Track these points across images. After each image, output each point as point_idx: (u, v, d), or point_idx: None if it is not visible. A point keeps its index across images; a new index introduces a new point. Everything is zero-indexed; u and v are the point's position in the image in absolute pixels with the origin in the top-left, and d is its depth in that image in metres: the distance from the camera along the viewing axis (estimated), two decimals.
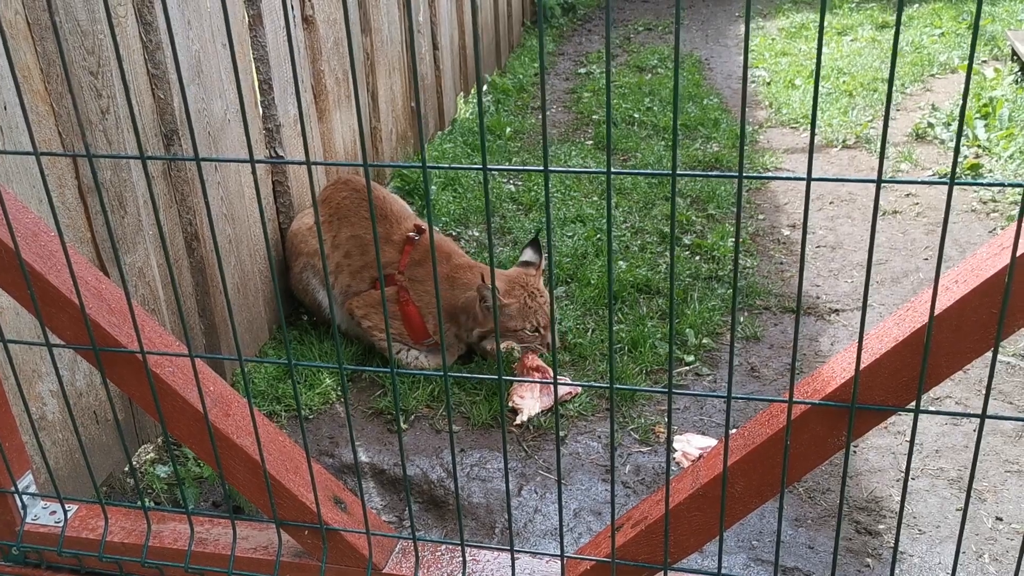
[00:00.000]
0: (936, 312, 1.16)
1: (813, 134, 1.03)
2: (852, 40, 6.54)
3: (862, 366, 1.21)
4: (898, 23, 0.98)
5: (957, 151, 1.04)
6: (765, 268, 3.51)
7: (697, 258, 3.55)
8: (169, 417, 1.47)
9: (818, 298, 3.31)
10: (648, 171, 1.10)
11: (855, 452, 2.54)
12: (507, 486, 1.27)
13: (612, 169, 1.09)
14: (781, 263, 3.56)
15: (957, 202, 3.97)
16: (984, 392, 1.16)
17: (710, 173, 1.04)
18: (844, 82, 5.58)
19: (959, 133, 1.00)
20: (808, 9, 7.62)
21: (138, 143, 1.25)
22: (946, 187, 1.01)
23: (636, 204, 4.02)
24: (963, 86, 5.28)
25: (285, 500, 1.50)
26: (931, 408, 2.69)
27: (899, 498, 2.37)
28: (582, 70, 6.34)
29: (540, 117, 5.44)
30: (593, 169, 1.09)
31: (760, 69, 6.09)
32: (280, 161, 1.17)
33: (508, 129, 4.99)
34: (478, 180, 4.21)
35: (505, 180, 4.35)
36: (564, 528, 2.34)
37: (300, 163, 1.14)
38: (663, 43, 6.86)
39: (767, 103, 5.48)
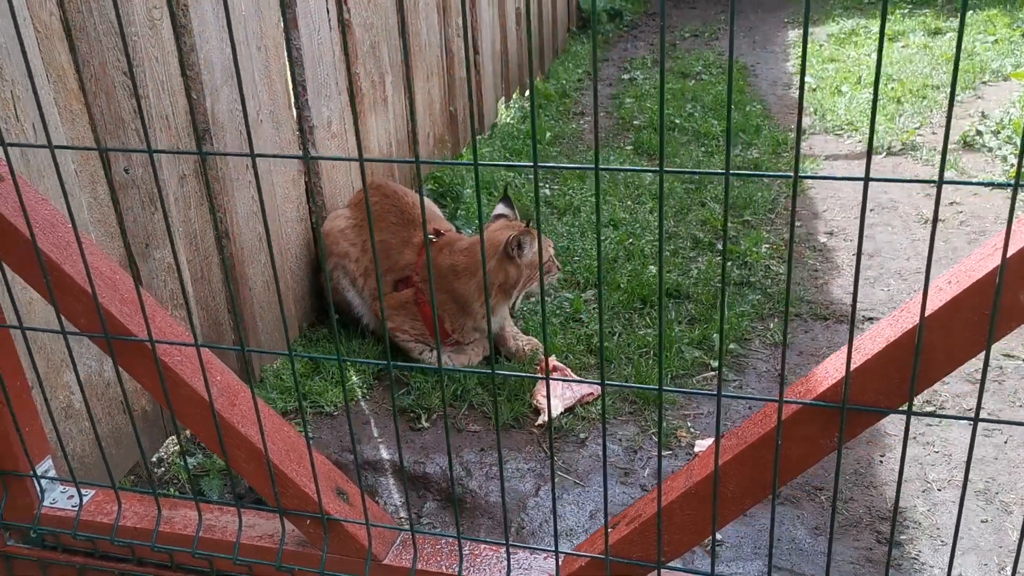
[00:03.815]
0: (928, 313, 1.15)
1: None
2: (903, 46, 6.44)
3: (854, 366, 1.20)
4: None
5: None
6: (799, 275, 3.48)
7: (729, 263, 3.53)
8: (177, 405, 1.51)
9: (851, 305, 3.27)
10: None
11: (880, 462, 2.50)
12: (501, 480, 1.28)
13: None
14: (816, 270, 3.52)
15: (1004, 208, 3.89)
16: (977, 396, 1.14)
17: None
18: (892, 88, 5.50)
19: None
20: (859, 15, 7.52)
21: (146, 139, 1.29)
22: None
23: (671, 209, 4.00)
24: (1015, 93, 5.11)
25: (288, 489, 1.53)
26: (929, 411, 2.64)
27: (924, 509, 2.33)
28: (625, 76, 6.33)
29: (581, 123, 5.44)
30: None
31: (806, 76, 6.03)
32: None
33: (548, 134, 5.01)
34: (514, 184, 4.23)
35: (541, 184, 4.37)
36: (580, 529, 2.34)
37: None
38: (709, 49, 6.82)
39: (812, 109, 5.41)
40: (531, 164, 1.10)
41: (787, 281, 1.09)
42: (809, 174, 1.07)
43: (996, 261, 1.10)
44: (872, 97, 0.98)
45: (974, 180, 1.09)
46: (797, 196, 4.15)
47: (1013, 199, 1.06)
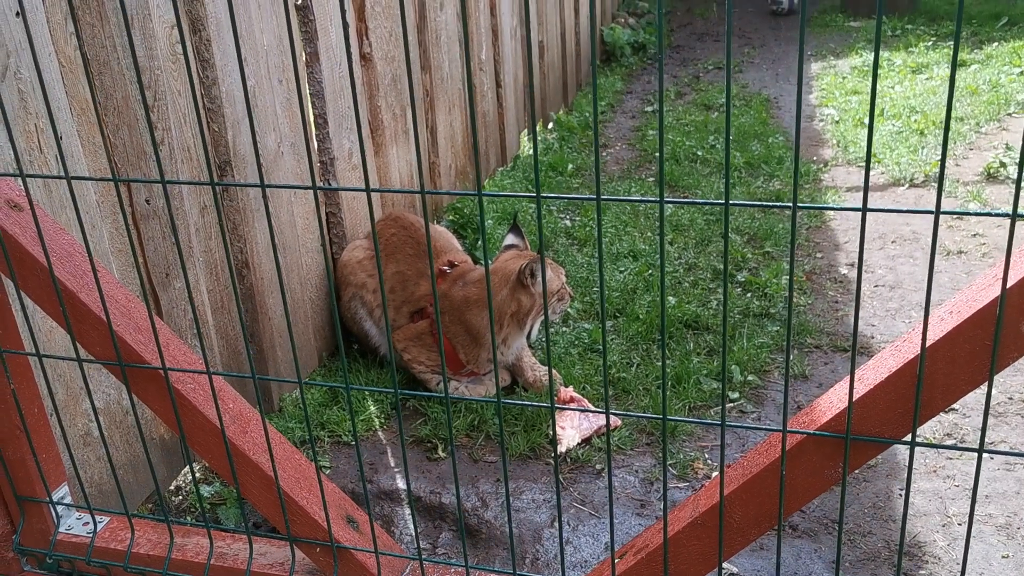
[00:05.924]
0: (930, 343, 1.14)
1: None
2: (927, 78, 6.42)
3: (858, 396, 1.20)
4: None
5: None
6: (819, 306, 3.46)
7: (749, 295, 3.52)
8: (189, 432, 1.53)
9: (872, 338, 3.24)
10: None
11: (900, 495, 2.47)
12: (507, 504, 1.28)
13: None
14: (836, 301, 3.50)
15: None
16: (982, 428, 1.13)
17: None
18: (915, 121, 5.48)
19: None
20: (883, 48, 7.51)
21: (159, 168, 1.32)
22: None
23: (692, 240, 4.00)
24: None
25: (298, 517, 1.54)
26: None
27: (944, 544, 2.30)
28: (649, 108, 6.36)
29: (604, 155, 5.47)
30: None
31: (829, 108, 6.02)
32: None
33: (570, 166, 5.04)
34: (535, 216, 4.25)
35: (562, 216, 4.39)
36: (595, 560, 2.33)
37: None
38: (733, 82, 6.84)
39: (834, 141, 5.41)
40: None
41: (789, 295, 1.10)
42: (808, 204, 1.08)
43: (996, 291, 1.10)
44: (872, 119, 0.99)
45: (971, 211, 1.09)
46: (818, 228, 4.13)
47: (1011, 229, 1.06)
